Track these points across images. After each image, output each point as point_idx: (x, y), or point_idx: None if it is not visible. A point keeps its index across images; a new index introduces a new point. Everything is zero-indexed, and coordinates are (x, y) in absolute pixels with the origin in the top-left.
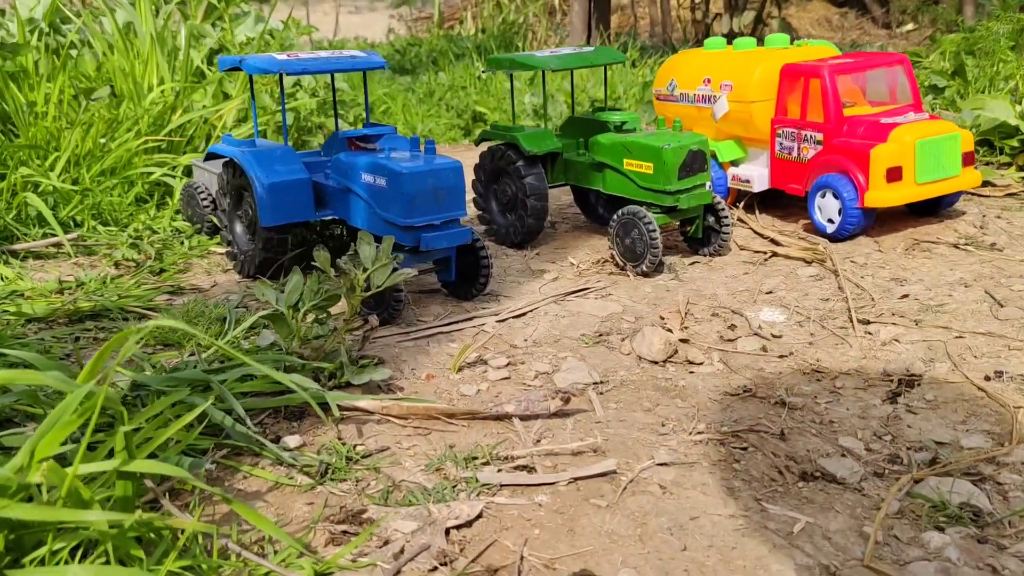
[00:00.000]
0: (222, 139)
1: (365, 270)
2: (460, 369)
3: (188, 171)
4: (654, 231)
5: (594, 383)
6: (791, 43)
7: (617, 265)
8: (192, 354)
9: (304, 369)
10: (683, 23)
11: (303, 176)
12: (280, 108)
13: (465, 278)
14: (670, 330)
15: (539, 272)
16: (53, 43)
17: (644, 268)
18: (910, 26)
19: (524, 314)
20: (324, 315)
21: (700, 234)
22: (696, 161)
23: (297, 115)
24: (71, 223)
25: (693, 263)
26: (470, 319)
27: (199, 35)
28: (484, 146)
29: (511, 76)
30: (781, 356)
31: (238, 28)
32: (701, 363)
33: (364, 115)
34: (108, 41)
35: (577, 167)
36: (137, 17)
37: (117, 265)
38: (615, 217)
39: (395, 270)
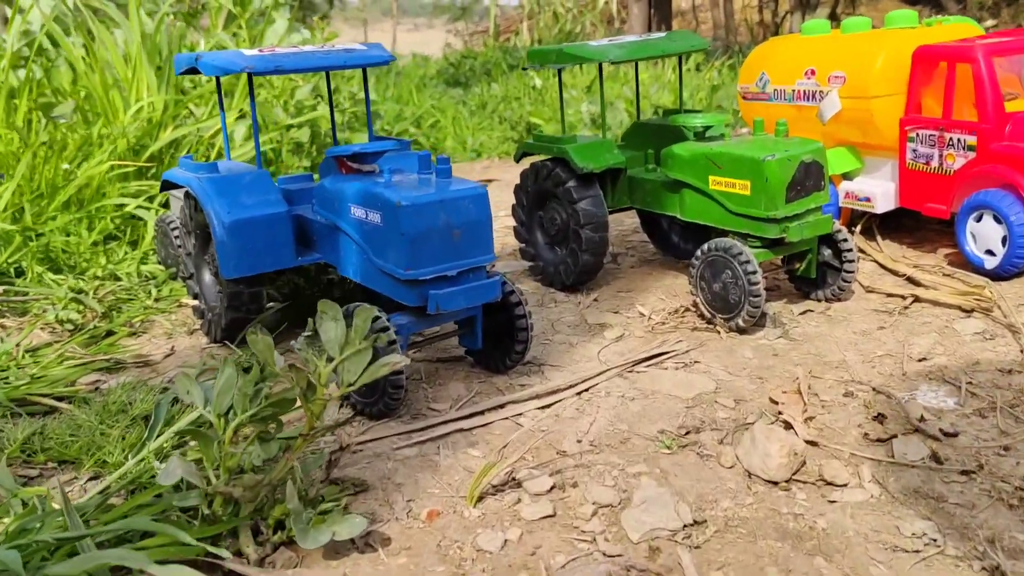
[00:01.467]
0: (179, 162)
1: (330, 360)
2: (480, 498)
3: (166, 202)
4: (754, 273)
5: (684, 527)
6: (919, 22)
7: (702, 317)
8: (94, 477)
9: (224, 522)
10: (749, 24)
11: (278, 210)
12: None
13: (496, 343)
14: (789, 424)
15: (598, 328)
16: (44, 60)
17: (740, 322)
18: (991, 22)
19: (577, 395)
20: (271, 428)
21: (814, 272)
22: (810, 177)
23: (315, 131)
24: (10, 271)
25: (805, 312)
26: (501, 406)
27: (204, 44)
28: (526, 162)
29: (559, 75)
30: (966, 472)
31: (267, 35)
32: (844, 484)
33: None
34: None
35: (645, 187)
36: (126, 23)
37: (59, 323)
38: (699, 254)
39: (378, 353)
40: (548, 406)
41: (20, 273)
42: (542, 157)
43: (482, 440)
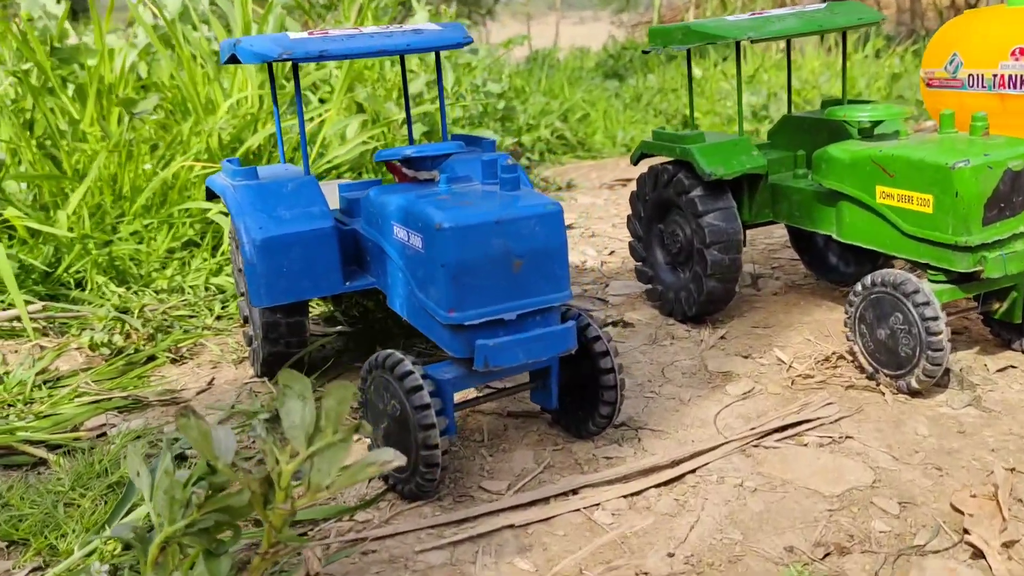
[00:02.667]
0: (222, 166)
1: (295, 455)
2: None
3: None
4: (934, 319)
5: None
6: None
7: (861, 370)
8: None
9: None
10: (938, 7)
11: (321, 226)
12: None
13: (579, 401)
14: (979, 552)
15: (720, 378)
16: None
17: (913, 383)
18: None
19: (678, 477)
20: (222, 539)
21: (1019, 317)
22: (1019, 190)
23: (434, 127)
24: (71, 282)
25: (1004, 369)
26: (574, 491)
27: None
28: (645, 165)
29: (688, 59)
30: None
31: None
32: None
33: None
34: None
35: (793, 198)
36: (232, 12)
37: (93, 348)
38: (860, 288)
39: (407, 416)
40: (637, 493)
41: (77, 285)
42: (664, 160)
43: (538, 544)
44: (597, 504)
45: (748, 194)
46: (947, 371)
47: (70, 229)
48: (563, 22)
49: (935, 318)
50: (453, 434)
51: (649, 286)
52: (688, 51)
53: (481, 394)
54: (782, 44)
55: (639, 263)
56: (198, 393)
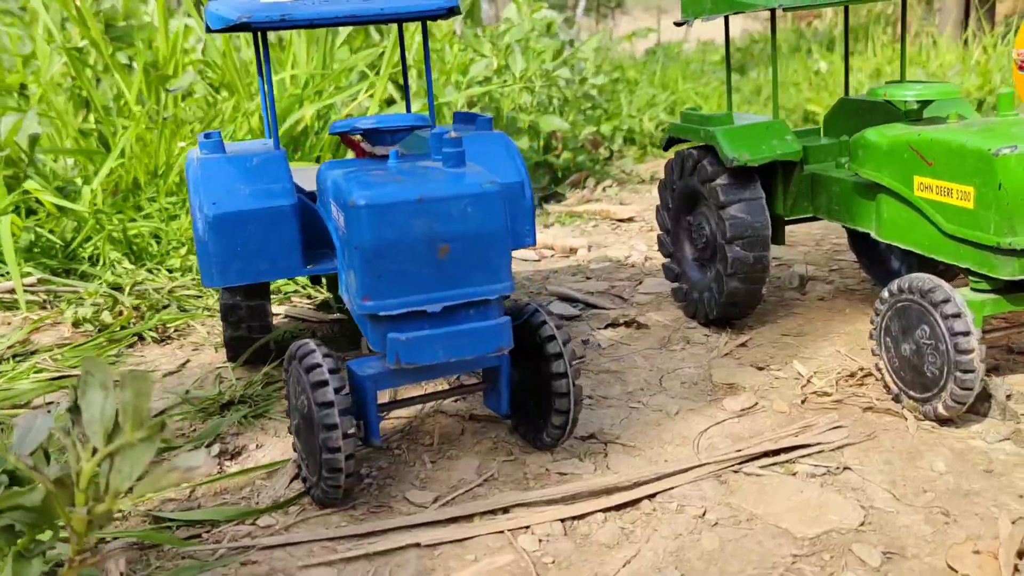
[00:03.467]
0: (198, 140)
1: (95, 450)
2: None
3: None
4: (964, 335)
5: None
6: None
7: (887, 389)
8: None
9: None
10: None
11: (281, 203)
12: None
13: (537, 408)
14: None
15: (723, 391)
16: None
17: (940, 409)
18: None
19: (633, 502)
20: (38, 540)
21: None
22: None
23: (498, 111)
24: (85, 258)
25: None
26: (505, 509)
27: None
28: (674, 153)
29: (726, 28)
30: None
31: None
32: None
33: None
34: None
35: (832, 189)
36: None
37: (76, 325)
38: (886, 295)
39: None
40: (579, 517)
41: (89, 262)
42: (690, 144)
43: (441, 568)
44: (527, 527)
45: (783, 184)
46: (988, 397)
47: (93, 204)
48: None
49: (966, 333)
50: (376, 437)
51: (676, 284)
52: (726, 19)
53: (425, 393)
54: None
55: (667, 259)
56: (165, 375)
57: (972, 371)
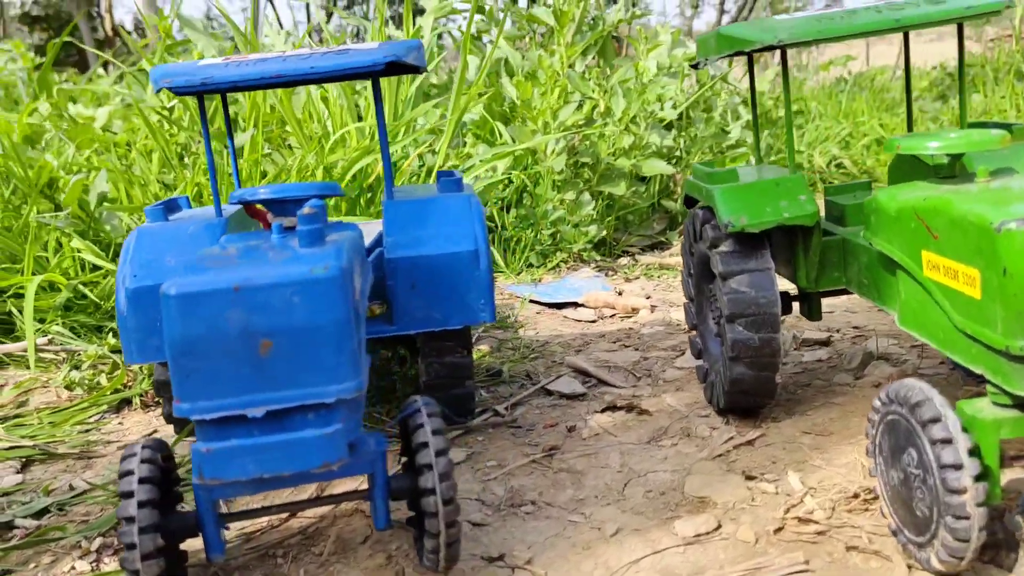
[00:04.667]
0: (146, 210)
1: None
2: None
3: None
4: (955, 469)
5: None
6: None
7: (884, 516)
8: None
9: None
10: None
11: None
12: None
13: (419, 526)
14: None
15: (687, 506)
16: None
17: (934, 561)
18: None
19: None
20: None
21: None
22: None
23: (595, 155)
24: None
25: None
26: None
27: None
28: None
29: (751, 72)
30: None
31: (650, 55)
32: None
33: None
34: None
35: (861, 259)
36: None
37: (68, 387)
38: (877, 403)
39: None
40: None
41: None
42: (702, 204)
43: None
44: None
45: (803, 252)
46: (1017, 544)
47: None
48: (917, 40)
49: (956, 466)
50: (216, 552)
51: (699, 362)
52: (749, 57)
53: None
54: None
55: (691, 331)
56: (121, 448)
57: (966, 517)
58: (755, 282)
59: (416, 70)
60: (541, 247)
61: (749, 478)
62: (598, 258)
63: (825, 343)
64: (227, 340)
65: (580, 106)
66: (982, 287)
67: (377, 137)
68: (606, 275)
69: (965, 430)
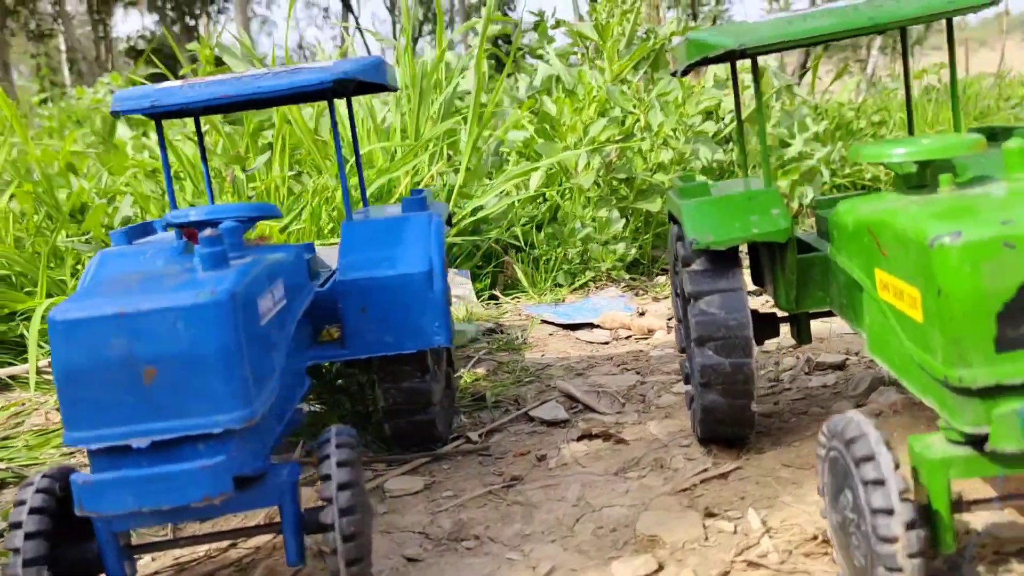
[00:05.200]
0: (111, 234)
1: None
2: None
3: None
4: (884, 514)
5: None
6: None
7: (835, 563)
8: None
9: None
10: None
11: None
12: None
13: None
14: None
15: (632, 546)
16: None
17: None
18: None
19: None
20: None
21: None
22: None
23: (629, 169)
24: None
25: None
26: None
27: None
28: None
29: (734, 83)
30: None
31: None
32: None
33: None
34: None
35: (839, 278)
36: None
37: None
38: (820, 438)
39: None
40: None
41: None
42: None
43: None
44: None
45: (781, 271)
46: None
47: None
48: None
49: (887, 511)
50: None
51: (688, 387)
52: (732, 63)
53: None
54: None
55: (681, 354)
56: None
57: (898, 570)
58: (725, 303)
59: (383, 88)
60: (569, 266)
61: (710, 515)
62: (627, 277)
63: (840, 367)
64: (111, 368)
65: (622, 122)
66: (923, 309)
67: (399, 155)
68: (635, 294)
69: (915, 469)
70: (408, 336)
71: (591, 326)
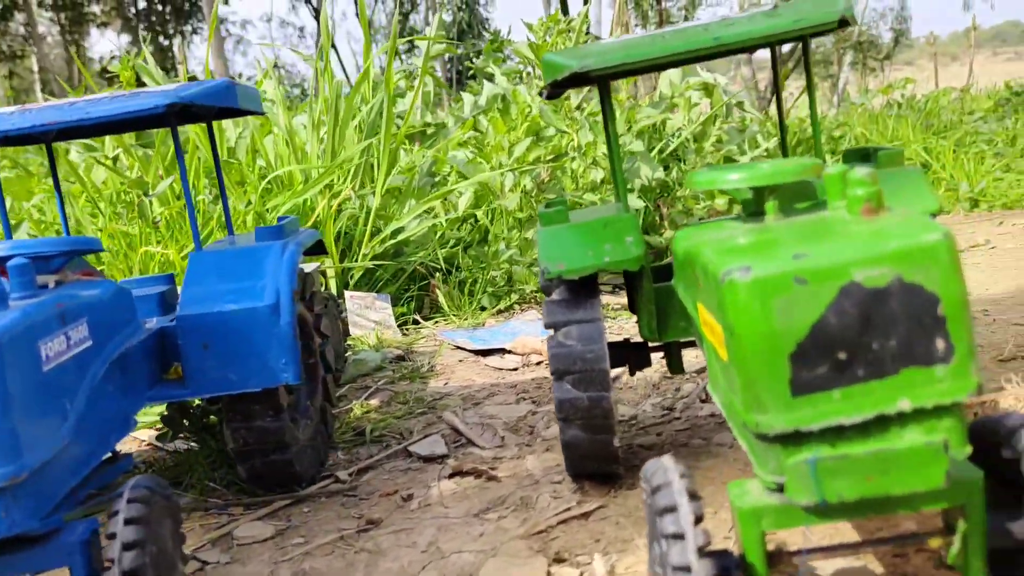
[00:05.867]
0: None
1: None
2: None
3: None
4: (682, 568)
5: None
6: None
7: None
8: None
9: None
10: None
11: None
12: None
13: None
14: None
15: None
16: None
17: None
18: None
19: None
20: None
21: (974, 562)
22: (880, 328)
23: (562, 189)
24: None
25: None
26: None
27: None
28: None
29: (603, 104)
30: None
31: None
32: None
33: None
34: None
35: (686, 310)
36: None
37: None
38: (641, 481)
39: None
40: None
41: None
42: None
43: None
44: None
45: (641, 300)
46: None
47: None
48: (994, 59)
49: (684, 569)
50: None
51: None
52: (600, 88)
53: None
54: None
55: None
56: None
57: None
58: (582, 335)
59: (241, 112)
60: (494, 289)
61: (557, 561)
62: None
63: None
64: None
65: (559, 141)
66: (726, 348)
67: (313, 177)
68: None
69: (735, 521)
70: (253, 374)
71: (503, 351)
